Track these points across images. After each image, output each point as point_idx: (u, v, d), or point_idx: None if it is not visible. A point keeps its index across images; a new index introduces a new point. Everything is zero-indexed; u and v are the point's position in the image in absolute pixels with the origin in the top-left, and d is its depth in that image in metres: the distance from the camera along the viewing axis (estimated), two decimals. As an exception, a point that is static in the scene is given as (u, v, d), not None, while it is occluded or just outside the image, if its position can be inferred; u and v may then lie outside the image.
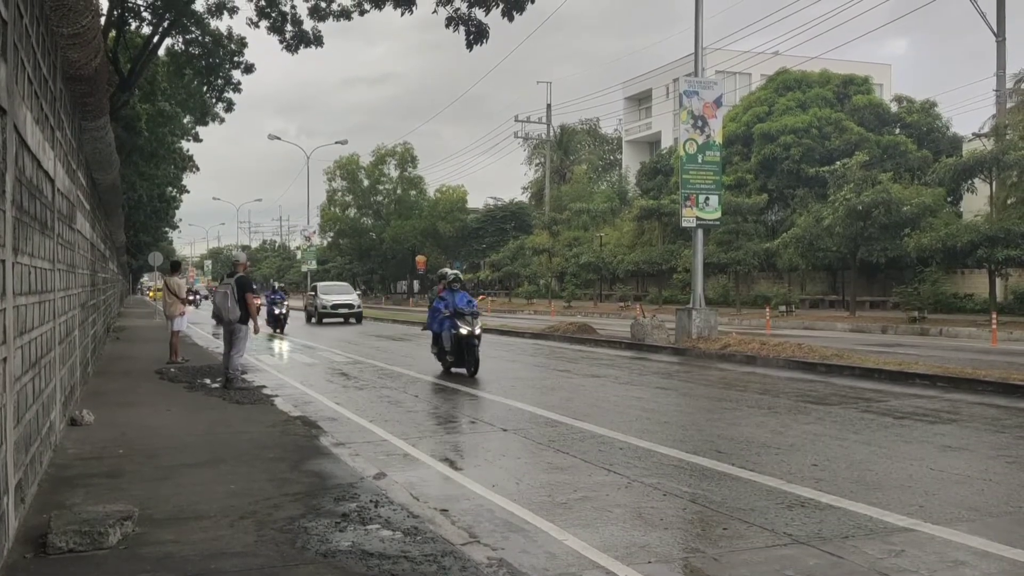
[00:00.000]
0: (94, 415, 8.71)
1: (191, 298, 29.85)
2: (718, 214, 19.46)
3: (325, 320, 33.94)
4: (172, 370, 13.83)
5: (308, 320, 35.07)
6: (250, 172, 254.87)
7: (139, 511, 5.08)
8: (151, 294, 22.07)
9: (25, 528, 4.90)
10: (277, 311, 27.64)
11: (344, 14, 15.43)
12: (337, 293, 35.64)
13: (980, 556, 4.67)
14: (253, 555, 4.48)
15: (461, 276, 15.21)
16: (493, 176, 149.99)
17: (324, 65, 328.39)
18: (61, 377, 7.61)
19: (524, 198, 68.44)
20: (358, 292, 39.76)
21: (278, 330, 27.00)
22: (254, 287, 12.09)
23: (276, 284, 35.77)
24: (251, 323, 11.90)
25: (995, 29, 30.14)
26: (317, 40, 16.16)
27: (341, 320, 34.07)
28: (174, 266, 17.80)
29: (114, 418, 8.96)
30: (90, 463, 6.79)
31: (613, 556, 4.71)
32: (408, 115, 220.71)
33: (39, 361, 5.86)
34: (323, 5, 15.52)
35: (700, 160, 18.81)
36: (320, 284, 38.71)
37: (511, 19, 12.71)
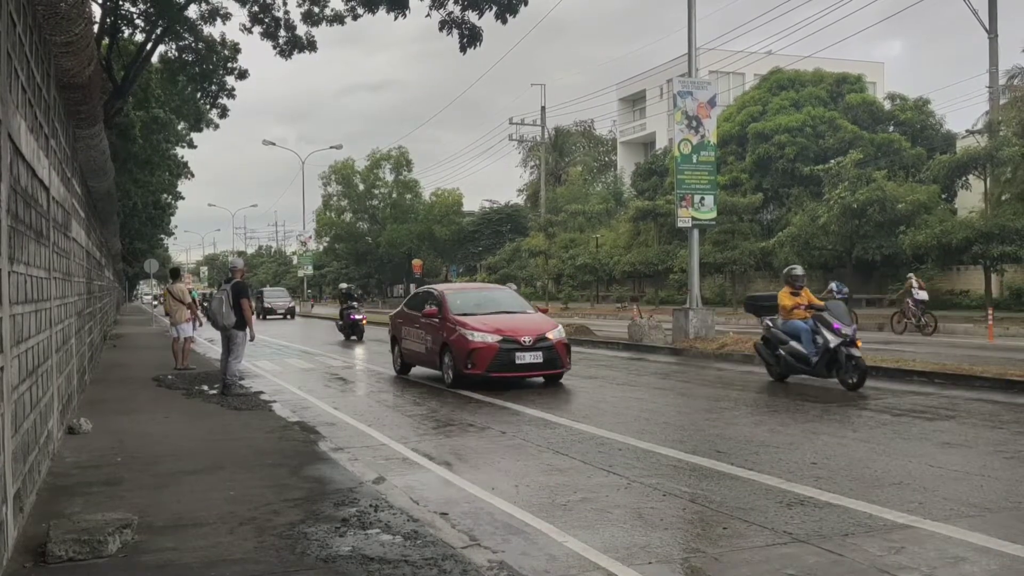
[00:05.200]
0: (92, 423, 8.69)
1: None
2: (714, 214, 19.49)
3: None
4: (169, 377, 13.81)
5: None
6: (247, 178, 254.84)
7: (138, 519, 5.07)
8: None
9: (24, 537, 4.89)
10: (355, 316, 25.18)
11: (337, 19, 15.47)
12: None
13: (980, 552, 4.67)
14: (253, 561, 4.48)
15: None
16: (488, 179, 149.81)
17: (325, 73, 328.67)
18: (58, 385, 7.60)
19: (520, 200, 68.46)
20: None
21: (357, 336, 24.98)
22: (250, 293, 12.09)
23: (345, 286, 30.14)
24: (248, 329, 11.90)
25: (987, 26, 30.24)
26: (311, 45, 16.19)
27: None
28: (174, 273, 17.85)
29: (112, 426, 8.94)
30: (88, 471, 6.77)
31: (613, 557, 4.71)
32: (408, 122, 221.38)
33: (36, 370, 5.85)
34: (316, 10, 15.56)
35: (695, 160, 18.83)
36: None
37: (504, 21, 12.73)
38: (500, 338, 12.16)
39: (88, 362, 13.34)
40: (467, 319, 12.66)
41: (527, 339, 12.18)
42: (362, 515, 5.32)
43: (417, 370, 14.62)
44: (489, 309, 13.34)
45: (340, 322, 25.77)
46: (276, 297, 47.59)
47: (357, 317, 24.98)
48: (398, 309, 15.62)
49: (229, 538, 4.89)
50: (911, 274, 23.16)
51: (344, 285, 30.47)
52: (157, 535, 4.95)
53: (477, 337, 12.19)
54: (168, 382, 13.17)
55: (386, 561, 4.45)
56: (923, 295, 21.81)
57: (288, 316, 44.66)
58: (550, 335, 12.49)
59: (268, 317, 43.84)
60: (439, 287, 15.24)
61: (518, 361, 12.14)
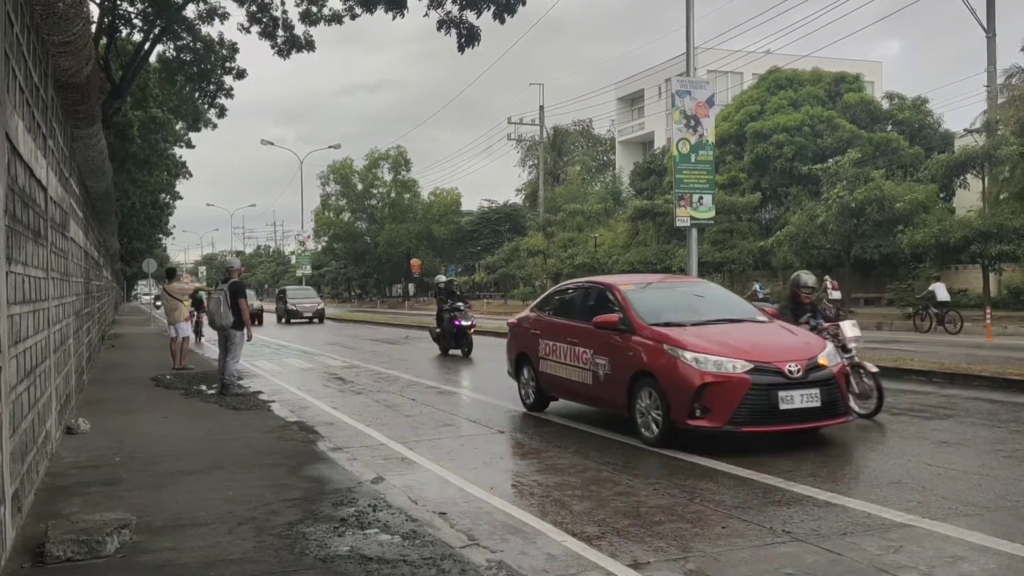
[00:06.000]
0: (90, 423, 8.68)
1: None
2: (712, 213, 19.46)
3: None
4: (168, 377, 13.80)
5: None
6: (246, 178, 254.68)
7: (137, 519, 5.07)
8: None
9: (23, 537, 4.89)
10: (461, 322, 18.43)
11: (335, 18, 15.45)
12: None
13: (978, 551, 4.68)
14: (252, 561, 4.48)
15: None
16: (487, 178, 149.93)
17: (323, 73, 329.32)
18: (56, 386, 7.59)
19: (518, 200, 68.45)
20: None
21: (464, 350, 18.29)
22: (247, 292, 12.10)
23: (444, 279, 21.33)
24: (246, 329, 11.91)
25: (985, 26, 30.29)
26: (309, 45, 16.18)
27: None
28: (170, 273, 17.85)
29: (110, 426, 8.93)
30: (87, 471, 6.76)
31: (612, 556, 4.71)
32: (407, 122, 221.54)
33: (34, 370, 5.84)
34: (314, 10, 15.53)
35: (693, 160, 18.81)
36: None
37: (502, 21, 12.70)
38: (750, 366, 7.32)
39: (86, 362, 13.33)
40: (676, 333, 7.83)
41: (794, 367, 7.35)
42: (361, 515, 5.32)
43: (419, 372, 14.27)
44: (701, 316, 8.43)
45: (437, 329, 19.19)
46: (301, 297, 40.74)
47: (465, 323, 18.24)
48: (524, 313, 10.74)
49: (228, 538, 4.89)
50: (827, 276, 25.94)
51: (443, 278, 21.64)
52: (156, 535, 4.94)
53: (710, 364, 7.34)
54: (166, 382, 13.16)
55: (384, 561, 4.45)
56: (836, 294, 24.29)
57: (316, 319, 38.32)
58: (823, 359, 7.64)
59: (292, 321, 38.27)
60: (605, 279, 9.63)
61: (783, 405, 7.23)
